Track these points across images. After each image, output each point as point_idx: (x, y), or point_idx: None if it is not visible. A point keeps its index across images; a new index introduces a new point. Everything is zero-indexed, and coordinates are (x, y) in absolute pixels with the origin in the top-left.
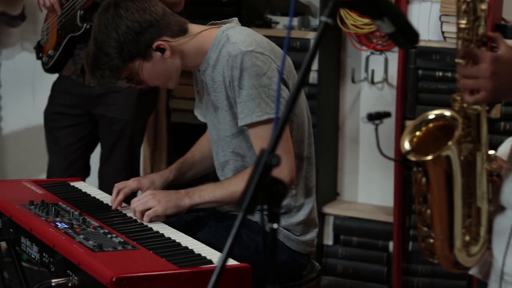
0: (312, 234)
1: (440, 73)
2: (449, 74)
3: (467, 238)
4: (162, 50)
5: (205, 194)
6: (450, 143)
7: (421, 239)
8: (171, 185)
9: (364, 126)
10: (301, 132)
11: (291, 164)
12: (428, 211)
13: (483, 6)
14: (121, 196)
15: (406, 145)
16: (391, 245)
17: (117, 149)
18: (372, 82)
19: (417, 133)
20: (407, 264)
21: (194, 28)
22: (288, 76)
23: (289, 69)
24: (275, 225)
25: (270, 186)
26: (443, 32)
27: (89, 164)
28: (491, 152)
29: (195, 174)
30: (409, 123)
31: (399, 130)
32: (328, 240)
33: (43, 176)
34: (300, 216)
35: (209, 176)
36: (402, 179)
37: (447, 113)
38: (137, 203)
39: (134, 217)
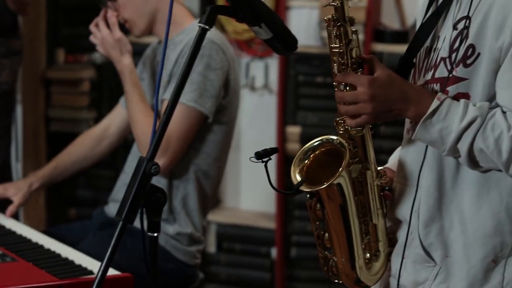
0: (200, 245)
1: (320, 79)
2: (329, 80)
3: (368, 255)
4: None
5: (134, 94)
6: (340, 169)
7: (323, 263)
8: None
9: (245, 132)
10: (216, 148)
11: (176, 154)
12: (326, 235)
13: (354, 28)
14: None
15: (297, 177)
16: (274, 251)
17: None
18: (252, 88)
19: (306, 161)
20: (290, 271)
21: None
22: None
23: (234, 76)
24: (155, 234)
25: (149, 195)
26: (322, 38)
27: None
28: (380, 168)
29: (69, 176)
30: (291, 130)
31: (281, 136)
32: (211, 247)
33: None
34: (189, 226)
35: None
36: (284, 185)
37: (333, 137)
38: None
39: (13, 229)
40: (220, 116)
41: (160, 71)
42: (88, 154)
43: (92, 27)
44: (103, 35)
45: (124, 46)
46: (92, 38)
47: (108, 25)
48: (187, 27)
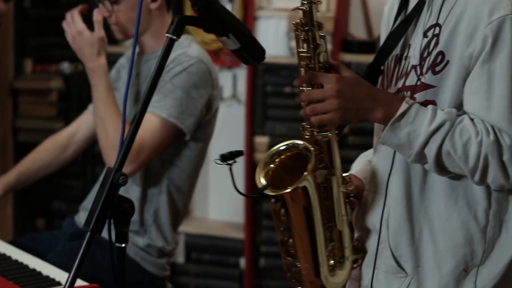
0: (170, 257)
1: (289, 89)
2: (298, 90)
3: (332, 262)
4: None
5: (109, 96)
6: (305, 173)
7: (287, 269)
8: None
9: (213, 142)
10: (191, 164)
11: (143, 161)
12: (291, 241)
13: (322, 33)
14: None
15: (262, 180)
16: (242, 261)
17: None
18: (221, 98)
19: (271, 165)
20: (258, 281)
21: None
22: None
23: (216, 95)
24: (123, 245)
25: (117, 205)
26: (290, 48)
27: None
28: (345, 174)
29: (32, 182)
30: (259, 141)
31: (249, 147)
32: (180, 258)
33: None
34: (160, 239)
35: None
36: (251, 193)
37: (299, 142)
38: None
39: None
40: (199, 133)
41: (127, 84)
42: (53, 161)
43: (68, 17)
44: (79, 29)
45: (103, 46)
46: (65, 26)
47: (85, 21)
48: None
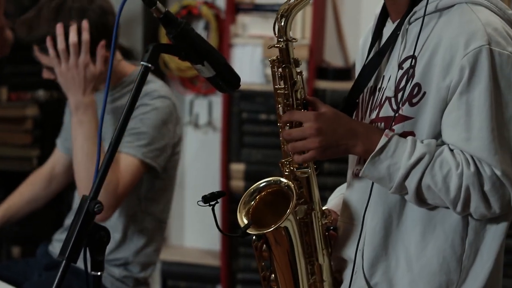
0: (146, 287)
1: (264, 116)
2: (273, 117)
3: None
4: None
5: (90, 130)
6: (288, 212)
7: None
8: None
9: (189, 169)
10: (164, 195)
11: (118, 200)
12: (272, 276)
13: (299, 70)
14: None
15: (244, 219)
16: None
17: None
18: (196, 126)
19: (252, 203)
20: None
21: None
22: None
23: (181, 125)
24: (98, 273)
25: (92, 233)
26: (266, 75)
27: None
28: (324, 208)
29: (21, 217)
30: (235, 168)
31: (225, 174)
32: (156, 286)
33: None
34: (137, 270)
35: None
36: (229, 223)
37: (280, 179)
38: None
39: None
40: (169, 165)
41: (101, 120)
42: (40, 194)
43: (72, 46)
44: (86, 61)
45: (98, 81)
46: (62, 54)
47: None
48: (122, 80)
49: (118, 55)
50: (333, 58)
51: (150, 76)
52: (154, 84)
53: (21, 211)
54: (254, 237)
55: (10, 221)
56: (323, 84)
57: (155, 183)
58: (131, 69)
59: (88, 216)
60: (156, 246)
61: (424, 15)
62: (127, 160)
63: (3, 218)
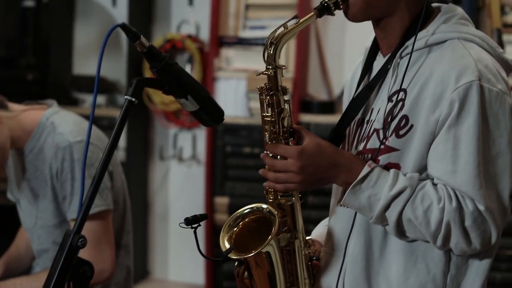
0: None
1: (248, 149)
2: (257, 150)
3: None
4: None
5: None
6: (269, 238)
7: None
8: None
9: (173, 203)
10: (121, 220)
11: (113, 256)
12: None
13: (286, 97)
14: None
15: (226, 244)
16: None
17: None
18: (180, 159)
19: (235, 228)
20: None
21: (14, 106)
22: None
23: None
24: None
25: (76, 268)
26: (250, 109)
27: None
28: (308, 238)
29: (24, 266)
30: (219, 201)
31: (209, 207)
32: None
33: None
34: None
35: None
36: (213, 256)
37: (263, 206)
38: None
39: None
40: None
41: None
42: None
43: None
44: None
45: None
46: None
47: None
48: (33, 133)
49: (17, 106)
50: (317, 91)
51: (52, 121)
52: (63, 129)
53: (22, 261)
54: (236, 263)
55: (15, 271)
56: (307, 117)
57: (113, 215)
58: (38, 117)
59: (71, 251)
60: (127, 277)
61: (412, 51)
62: (90, 224)
63: (6, 268)
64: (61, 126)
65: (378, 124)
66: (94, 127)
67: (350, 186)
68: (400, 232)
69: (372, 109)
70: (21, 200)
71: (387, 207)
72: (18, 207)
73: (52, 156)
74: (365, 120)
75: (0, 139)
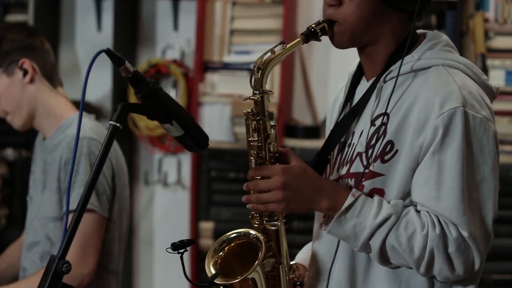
0: None
1: (233, 174)
2: (242, 175)
3: None
4: (24, 73)
5: None
6: (256, 264)
7: None
8: None
9: (158, 228)
10: (117, 244)
11: (95, 263)
12: None
13: (273, 123)
14: None
15: (211, 269)
16: None
17: None
18: (165, 184)
19: (220, 253)
20: None
21: (62, 91)
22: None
23: (121, 170)
24: None
25: None
26: (235, 133)
27: None
28: (292, 262)
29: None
30: (204, 226)
31: (194, 232)
32: None
33: None
34: None
35: None
36: (198, 281)
37: (249, 231)
38: None
39: None
40: (112, 214)
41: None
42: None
43: None
44: None
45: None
46: None
47: None
48: (62, 124)
49: (64, 94)
50: (301, 116)
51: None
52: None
53: (6, 275)
54: None
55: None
56: (292, 142)
57: (105, 235)
58: (71, 111)
59: (56, 276)
60: None
61: (398, 75)
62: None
63: None
64: (84, 122)
65: (361, 148)
66: (97, 125)
67: (335, 217)
68: (384, 258)
69: (354, 132)
70: (34, 193)
71: (371, 235)
72: (29, 205)
73: (66, 146)
74: (347, 144)
75: (23, 97)
